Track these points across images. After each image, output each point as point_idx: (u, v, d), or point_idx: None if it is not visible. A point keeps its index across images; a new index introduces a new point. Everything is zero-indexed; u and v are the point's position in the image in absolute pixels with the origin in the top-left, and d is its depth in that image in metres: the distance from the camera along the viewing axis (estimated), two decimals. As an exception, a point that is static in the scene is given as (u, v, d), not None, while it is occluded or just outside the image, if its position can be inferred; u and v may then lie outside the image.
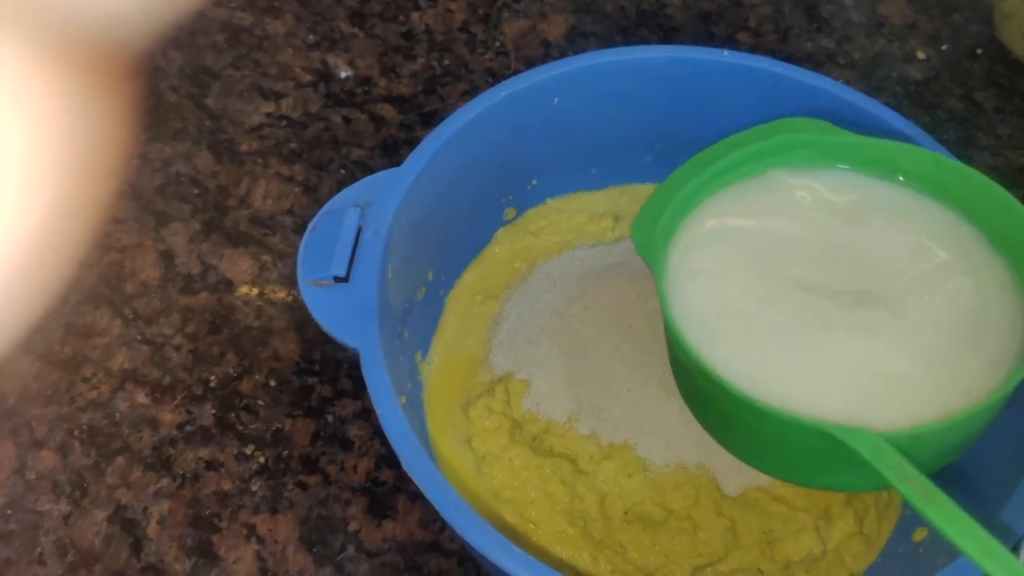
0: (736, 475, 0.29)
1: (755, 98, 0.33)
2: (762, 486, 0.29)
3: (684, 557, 0.28)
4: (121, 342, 0.35)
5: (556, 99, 0.33)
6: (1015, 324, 0.24)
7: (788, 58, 0.35)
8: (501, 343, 0.33)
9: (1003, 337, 0.24)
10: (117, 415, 0.34)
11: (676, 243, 0.27)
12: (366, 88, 0.43)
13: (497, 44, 0.45)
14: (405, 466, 0.24)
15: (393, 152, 0.41)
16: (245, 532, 0.31)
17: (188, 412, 0.34)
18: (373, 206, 0.28)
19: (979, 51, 0.45)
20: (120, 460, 0.33)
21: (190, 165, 0.40)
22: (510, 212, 0.36)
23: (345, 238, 0.28)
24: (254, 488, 0.32)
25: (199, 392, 0.34)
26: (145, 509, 0.32)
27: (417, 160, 0.29)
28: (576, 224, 0.36)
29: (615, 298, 0.33)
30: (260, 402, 0.34)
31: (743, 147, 0.28)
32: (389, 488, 0.32)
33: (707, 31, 0.45)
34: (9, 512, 0.31)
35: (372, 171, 0.39)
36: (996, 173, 0.41)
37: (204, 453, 0.33)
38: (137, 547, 0.31)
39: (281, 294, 0.37)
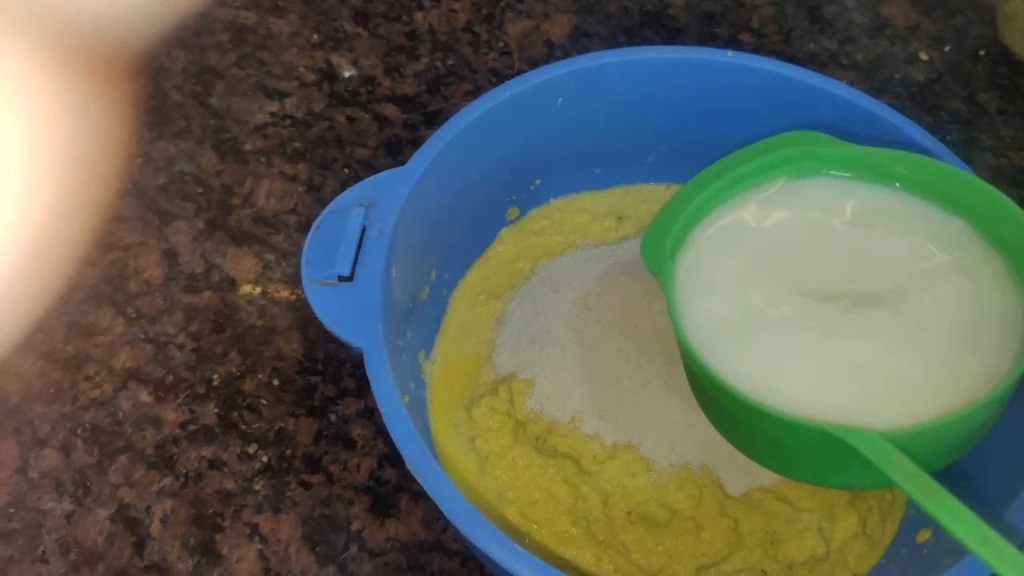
0: (739, 475, 0.29)
1: (758, 99, 0.33)
2: (765, 486, 0.29)
3: (687, 557, 0.28)
4: (124, 341, 0.35)
5: (560, 99, 0.33)
6: (1014, 323, 0.25)
7: (791, 59, 0.35)
8: (504, 343, 0.33)
9: (1002, 336, 0.24)
10: (120, 414, 0.34)
11: (683, 255, 0.27)
12: (370, 88, 0.43)
13: (500, 44, 0.45)
14: (409, 465, 0.24)
15: (397, 152, 0.41)
16: (248, 531, 0.31)
17: (191, 411, 0.34)
18: (377, 205, 0.29)
19: (982, 53, 0.45)
20: (123, 459, 0.33)
21: (194, 164, 0.40)
22: (513, 212, 0.36)
23: (349, 237, 0.28)
24: (257, 487, 0.32)
25: (202, 391, 0.34)
26: (148, 508, 0.32)
27: (421, 160, 0.30)
28: (579, 224, 0.36)
29: (619, 298, 0.33)
30: (263, 401, 0.34)
31: (747, 162, 0.29)
32: (392, 487, 0.32)
33: (710, 32, 0.45)
34: (12, 511, 0.31)
35: (376, 171, 0.39)
36: (999, 175, 0.41)
37: (207, 452, 0.33)
38: (140, 546, 0.31)
39: (284, 293, 0.37)
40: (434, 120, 0.42)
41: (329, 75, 0.43)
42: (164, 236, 0.38)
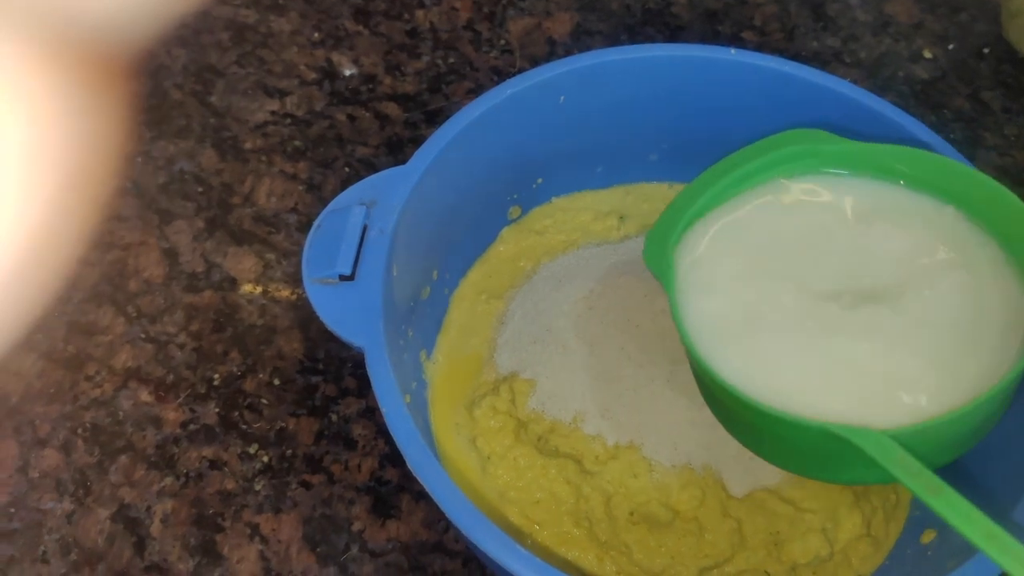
0: (742, 476, 0.29)
1: (761, 97, 0.33)
2: (769, 487, 0.29)
3: (690, 558, 0.28)
4: (124, 340, 0.35)
5: (561, 97, 0.33)
6: (1016, 319, 0.25)
7: (794, 57, 0.35)
8: (506, 342, 0.33)
9: (1004, 332, 0.24)
10: (120, 413, 0.33)
11: (685, 255, 0.27)
12: (371, 86, 0.43)
13: (502, 42, 0.44)
14: (410, 465, 0.24)
15: (398, 150, 0.41)
16: (248, 531, 0.31)
17: (192, 411, 0.34)
18: (378, 204, 0.28)
19: (986, 50, 0.45)
20: (123, 459, 0.33)
21: (194, 163, 0.40)
22: (515, 211, 0.36)
23: (350, 236, 0.27)
24: (258, 487, 0.32)
25: (203, 391, 0.34)
26: (148, 508, 0.31)
27: (422, 159, 0.29)
28: (581, 223, 0.36)
29: (621, 297, 0.33)
30: (264, 401, 0.34)
31: (748, 161, 0.29)
32: (393, 487, 0.32)
33: (713, 30, 0.45)
34: (12, 510, 0.31)
35: (377, 169, 0.38)
36: (1003, 173, 0.41)
37: (208, 452, 0.33)
38: (140, 546, 0.31)
39: (285, 292, 0.37)
40: (435, 119, 0.42)
41: (330, 73, 0.43)
42: (164, 235, 0.38)
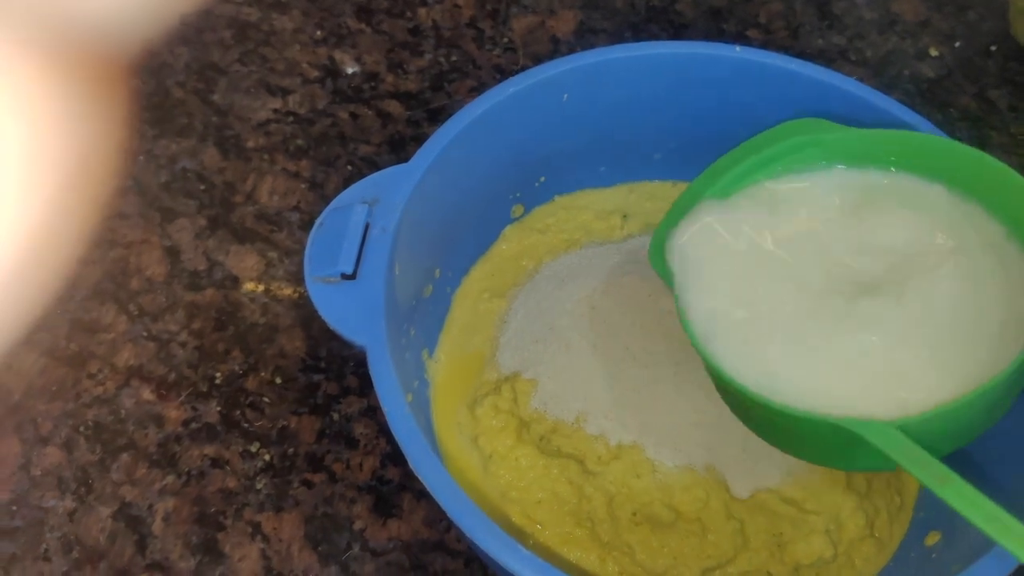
0: (745, 477, 0.29)
1: (767, 95, 0.32)
2: (772, 488, 0.29)
3: (693, 559, 0.28)
4: (127, 338, 0.35)
5: (565, 96, 0.32)
6: (1022, 304, 0.24)
7: (799, 55, 0.35)
8: (508, 341, 0.32)
9: (1010, 317, 0.24)
10: (122, 411, 0.33)
11: (686, 254, 0.28)
12: (373, 84, 0.43)
13: (505, 40, 0.44)
14: (412, 465, 0.24)
15: (400, 149, 0.41)
16: (250, 530, 0.31)
17: (193, 409, 0.34)
18: (380, 203, 0.28)
19: (993, 48, 0.44)
20: (125, 457, 0.33)
21: (196, 161, 0.40)
22: (518, 209, 0.36)
23: (352, 235, 0.27)
24: (259, 486, 0.32)
25: (204, 389, 0.34)
26: (150, 506, 0.31)
27: (424, 157, 0.29)
28: (584, 222, 0.36)
29: (624, 296, 0.33)
30: (266, 399, 0.34)
31: (749, 156, 0.29)
32: (395, 487, 0.32)
33: (717, 27, 0.45)
34: (14, 508, 0.31)
35: (379, 168, 0.38)
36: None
37: (209, 450, 0.33)
38: (142, 544, 0.31)
39: (287, 291, 0.37)
40: (438, 117, 0.41)
41: (332, 71, 0.43)
42: (166, 233, 0.38)
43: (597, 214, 0.36)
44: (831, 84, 0.32)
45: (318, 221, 0.29)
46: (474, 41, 0.44)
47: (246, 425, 0.33)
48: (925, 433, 0.22)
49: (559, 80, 0.32)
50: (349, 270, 0.27)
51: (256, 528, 0.31)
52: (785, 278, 0.26)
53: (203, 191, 0.39)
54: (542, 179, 0.35)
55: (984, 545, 0.23)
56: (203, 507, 0.32)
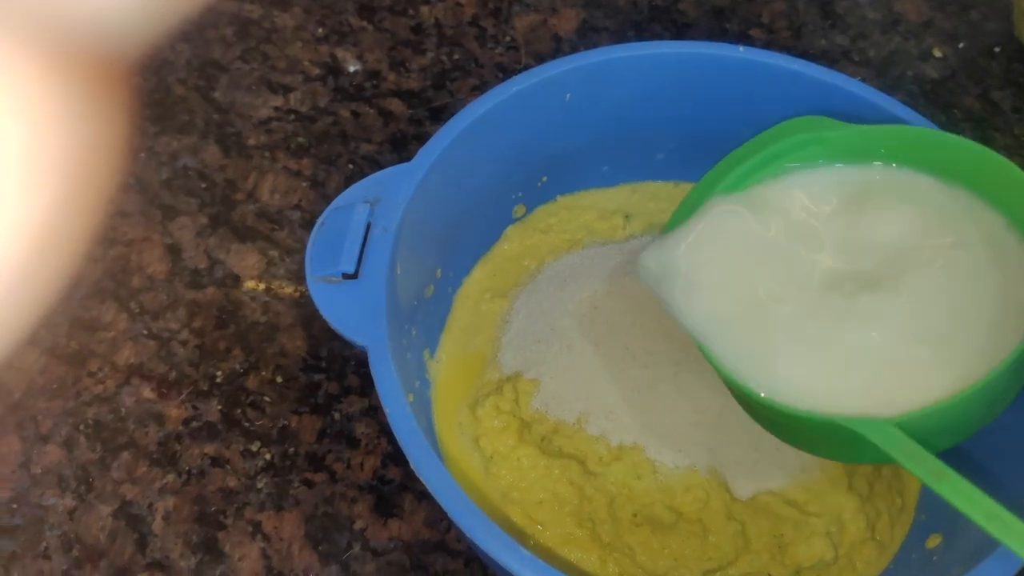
0: (747, 478, 0.29)
1: (770, 95, 0.32)
2: (773, 490, 0.29)
3: (693, 560, 0.28)
4: (127, 336, 0.35)
5: (567, 95, 0.32)
6: (1021, 295, 0.24)
7: (802, 55, 0.35)
8: (510, 342, 0.32)
9: (1008, 309, 0.24)
10: (123, 410, 0.33)
11: (684, 257, 0.28)
12: (375, 82, 0.42)
13: (507, 39, 0.44)
14: (413, 465, 0.24)
15: (402, 147, 0.40)
16: (250, 529, 0.31)
17: (194, 408, 0.34)
18: (382, 202, 0.28)
19: (997, 49, 0.44)
20: (126, 455, 0.32)
21: (197, 159, 0.40)
22: (519, 209, 0.36)
23: (354, 234, 0.27)
24: (260, 485, 0.32)
25: (205, 388, 0.34)
26: (150, 505, 0.31)
27: (427, 156, 0.29)
28: (586, 222, 0.36)
29: (626, 297, 0.33)
30: (266, 398, 0.34)
31: (750, 157, 0.29)
32: (396, 486, 0.32)
33: (720, 27, 0.45)
34: (14, 506, 0.31)
35: (381, 166, 0.38)
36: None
37: (210, 449, 0.33)
38: (142, 543, 0.31)
39: (288, 290, 0.36)
40: (440, 115, 0.41)
41: (334, 69, 0.43)
42: (167, 231, 0.38)
43: (599, 214, 0.36)
44: (834, 85, 0.31)
45: (319, 220, 0.29)
46: (476, 39, 0.44)
47: (247, 424, 0.33)
48: (925, 429, 0.22)
49: (562, 79, 0.32)
50: (351, 270, 0.27)
51: (256, 527, 0.31)
52: (785, 277, 0.26)
53: (204, 189, 0.39)
54: (544, 179, 0.35)
55: (986, 548, 0.23)
56: (203, 506, 0.31)
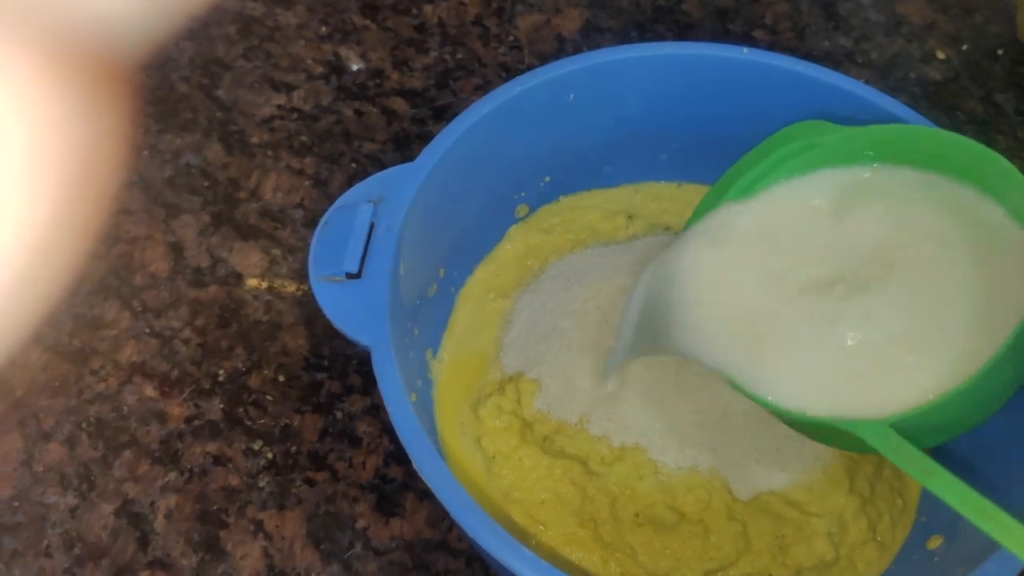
0: (748, 479, 0.29)
1: (773, 96, 0.32)
2: (775, 490, 0.29)
3: (695, 561, 0.28)
4: (130, 335, 0.35)
5: (571, 95, 0.32)
6: (1016, 286, 0.24)
7: (805, 57, 0.35)
8: (512, 341, 0.32)
9: (1004, 302, 0.24)
10: (125, 408, 0.33)
11: (684, 258, 0.28)
12: (378, 81, 0.42)
13: (510, 38, 0.44)
14: (415, 464, 0.24)
15: (405, 146, 0.40)
16: (252, 528, 0.31)
17: (196, 406, 0.34)
18: (386, 202, 0.28)
19: (1000, 52, 0.44)
20: (128, 453, 0.32)
21: (200, 157, 0.40)
22: (522, 209, 0.36)
23: (357, 234, 0.27)
24: (262, 484, 0.32)
25: (207, 386, 0.34)
26: (152, 503, 0.31)
27: (430, 156, 0.29)
28: (589, 222, 0.36)
29: (628, 298, 0.32)
30: (268, 397, 0.34)
31: (752, 167, 0.29)
32: (397, 486, 0.32)
33: (723, 28, 0.45)
34: (16, 504, 0.31)
35: (383, 165, 0.38)
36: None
37: (212, 448, 0.33)
38: (144, 541, 0.31)
39: (291, 288, 0.36)
40: (443, 114, 0.41)
41: (337, 68, 0.43)
42: (170, 229, 0.38)
43: (602, 214, 0.36)
44: (837, 86, 0.32)
45: (323, 219, 0.29)
46: (479, 39, 0.44)
47: (249, 423, 0.33)
48: (919, 427, 0.23)
49: (565, 80, 0.32)
50: (354, 269, 0.27)
51: (258, 526, 0.31)
52: (779, 284, 0.27)
53: (207, 187, 0.39)
54: (547, 179, 0.35)
55: (987, 549, 0.23)
56: (205, 504, 0.31)
